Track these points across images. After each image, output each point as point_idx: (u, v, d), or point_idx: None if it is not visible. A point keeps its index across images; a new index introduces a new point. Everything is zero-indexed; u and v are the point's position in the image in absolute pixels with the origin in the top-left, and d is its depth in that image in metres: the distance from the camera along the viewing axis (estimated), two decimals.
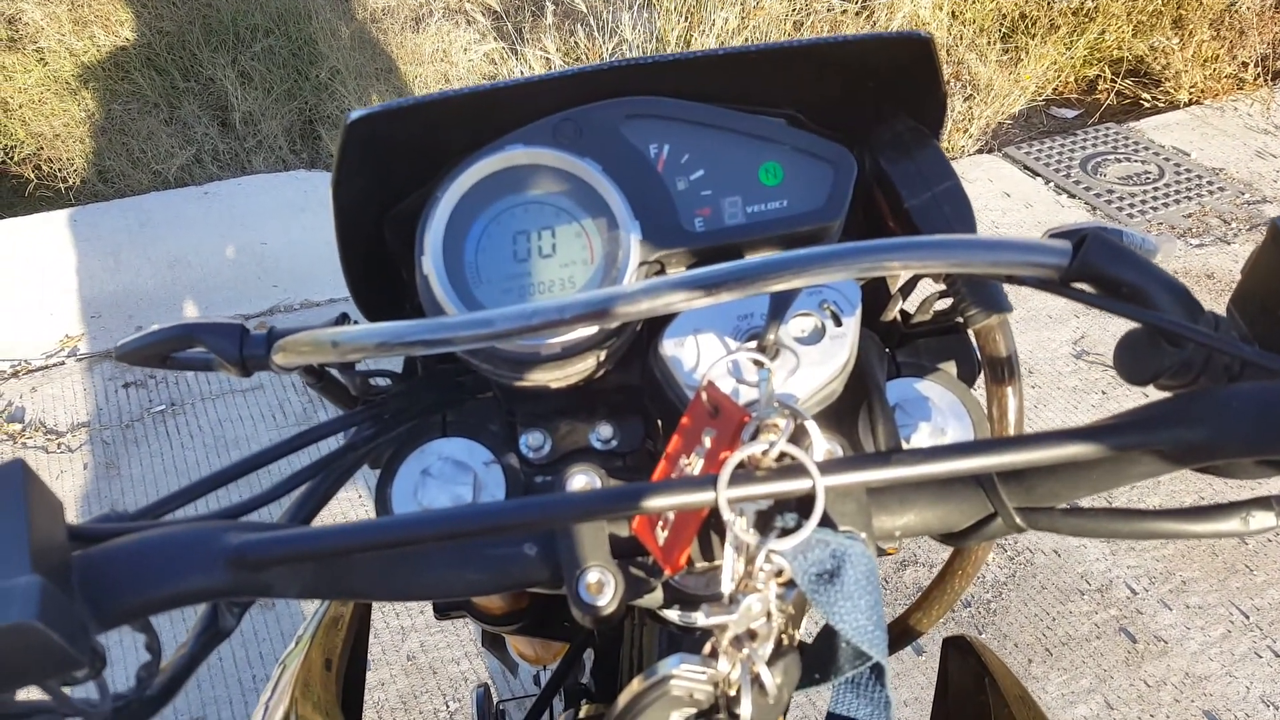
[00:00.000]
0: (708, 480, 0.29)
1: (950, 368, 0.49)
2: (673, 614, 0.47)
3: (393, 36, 3.33)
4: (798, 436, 0.32)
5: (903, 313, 0.53)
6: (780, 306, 0.41)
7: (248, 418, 2.05)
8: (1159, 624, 1.67)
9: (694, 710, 0.32)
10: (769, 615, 0.31)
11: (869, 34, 0.46)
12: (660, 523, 0.34)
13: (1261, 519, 0.33)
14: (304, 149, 3.04)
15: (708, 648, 0.32)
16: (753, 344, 0.41)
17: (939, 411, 0.46)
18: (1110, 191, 2.81)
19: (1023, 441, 0.31)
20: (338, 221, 0.47)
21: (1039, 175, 2.88)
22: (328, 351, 0.37)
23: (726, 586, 0.31)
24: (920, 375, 0.47)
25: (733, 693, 0.31)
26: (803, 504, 0.33)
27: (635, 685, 0.32)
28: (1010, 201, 2.77)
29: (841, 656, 0.30)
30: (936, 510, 0.37)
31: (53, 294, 2.38)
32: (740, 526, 0.29)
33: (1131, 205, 2.75)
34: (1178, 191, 2.81)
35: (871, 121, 0.51)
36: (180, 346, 0.44)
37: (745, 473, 0.29)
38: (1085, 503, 0.37)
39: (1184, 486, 1.91)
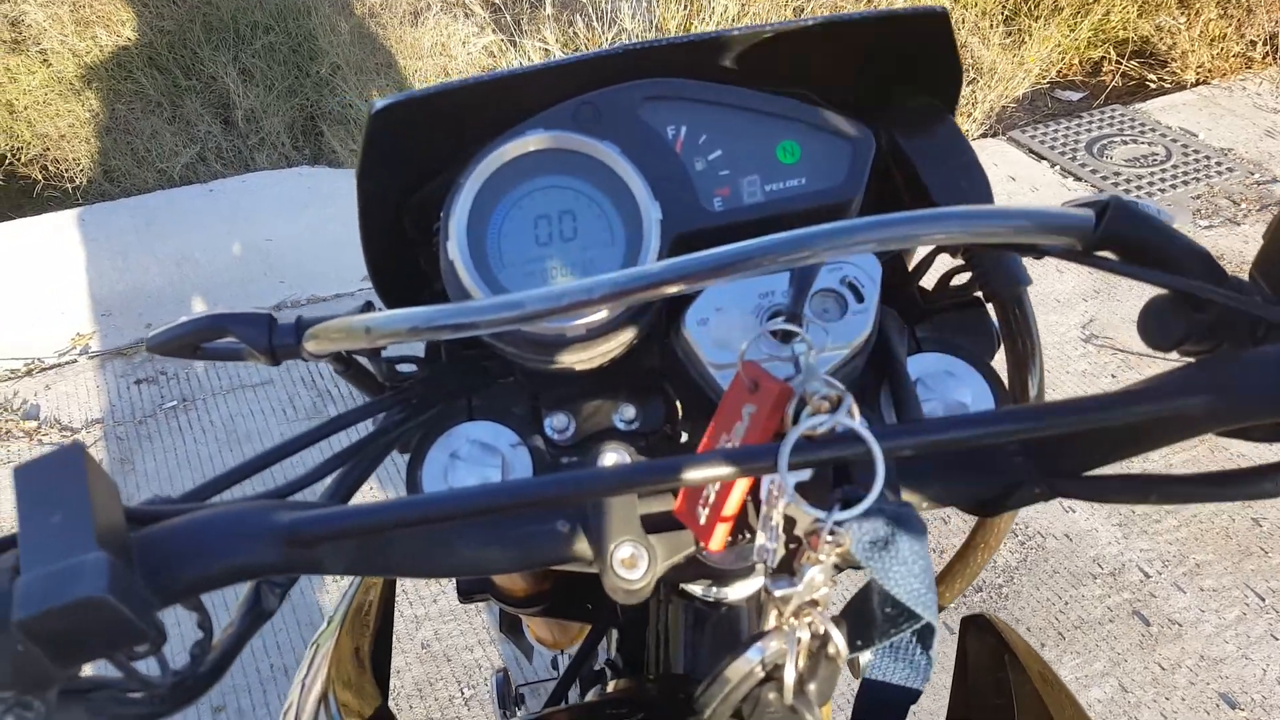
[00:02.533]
0: (767, 450, 0.29)
1: (970, 341, 0.49)
2: (699, 589, 0.48)
3: (391, 31, 3.33)
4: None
5: (920, 289, 0.53)
6: (805, 282, 0.41)
7: (259, 412, 2.07)
8: (1173, 607, 1.67)
9: (773, 688, 0.32)
10: (830, 584, 0.31)
11: (884, 10, 0.46)
12: (701, 501, 0.34)
13: None
14: (306, 145, 3.04)
15: (771, 621, 0.32)
16: (779, 320, 0.41)
17: (960, 385, 0.46)
18: (1117, 174, 2.80)
19: (1059, 408, 0.31)
20: (362, 211, 0.47)
21: (1044, 159, 2.87)
22: (360, 338, 0.37)
23: (764, 555, 0.31)
24: (940, 350, 0.48)
25: (800, 664, 0.32)
26: (839, 474, 0.34)
27: (729, 678, 0.33)
28: (1016, 185, 2.76)
29: (885, 621, 0.31)
30: (964, 480, 0.38)
31: (63, 293, 2.40)
32: (800, 499, 0.30)
33: (1139, 188, 2.74)
34: (1185, 173, 2.79)
35: (886, 98, 0.51)
36: (210, 337, 0.45)
37: (798, 444, 0.29)
38: (1111, 470, 0.37)
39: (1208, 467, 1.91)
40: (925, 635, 0.33)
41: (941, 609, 0.58)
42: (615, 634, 0.64)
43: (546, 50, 2.95)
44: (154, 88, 3.16)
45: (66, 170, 3.01)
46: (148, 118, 3.08)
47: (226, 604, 1.49)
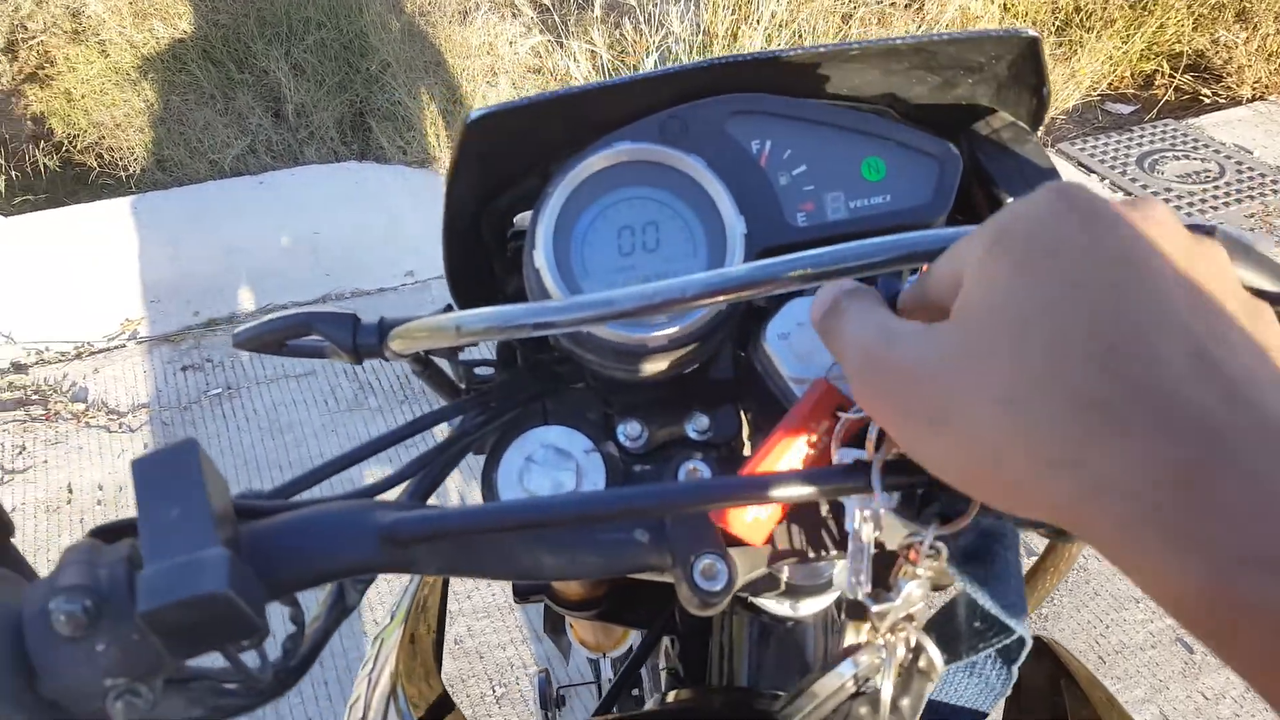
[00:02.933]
0: (858, 469, 0.29)
1: None
2: (769, 603, 0.48)
3: (441, 30, 3.36)
4: None
5: None
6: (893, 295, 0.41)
7: (301, 402, 2.10)
8: None
9: (864, 703, 0.33)
10: (927, 599, 0.31)
11: (974, 31, 0.46)
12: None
13: None
14: (355, 140, 3.09)
15: (863, 636, 0.32)
16: None
17: None
18: (1168, 190, 2.74)
19: None
20: (447, 217, 0.48)
21: (1094, 172, 2.82)
22: (449, 336, 0.38)
23: (854, 574, 0.32)
24: None
25: (894, 677, 0.32)
26: (927, 496, 0.33)
27: (817, 693, 0.33)
28: None
29: (974, 635, 0.31)
30: None
31: (114, 278, 2.46)
32: (896, 517, 0.30)
33: (1191, 204, 2.68)
34: (1239, 190, 2.73)
35: (964, 116, 0.51)
36: (297, 334, 0.46)
37: (889, 463, 0.30)
38: None
39: None
40: (1013, 650, 0.33)
41: None
42: (672, 643, 0.64)
43: (594, 52, 2.96)
44: (207, 80, 3.23)
45: (121, 159, 3.10)
46: (201, 109, 3.15)
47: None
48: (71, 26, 3.38)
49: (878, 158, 0.48)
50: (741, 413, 0.49)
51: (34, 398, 2.13)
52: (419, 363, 0.47)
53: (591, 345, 0.45)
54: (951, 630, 0.33)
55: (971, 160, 0.50)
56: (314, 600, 0.36)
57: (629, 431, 0.48)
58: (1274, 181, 2.77)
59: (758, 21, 2.94)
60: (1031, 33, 0.45)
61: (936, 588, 0.34)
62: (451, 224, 0.49)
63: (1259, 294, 0.34)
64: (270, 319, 0.46)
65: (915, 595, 0.31)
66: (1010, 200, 0.48)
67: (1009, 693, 0.35)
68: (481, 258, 0.55)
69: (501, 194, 0.52)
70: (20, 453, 2.00)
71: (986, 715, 0.36)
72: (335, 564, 0.30)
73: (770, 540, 0.36)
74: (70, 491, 1.92)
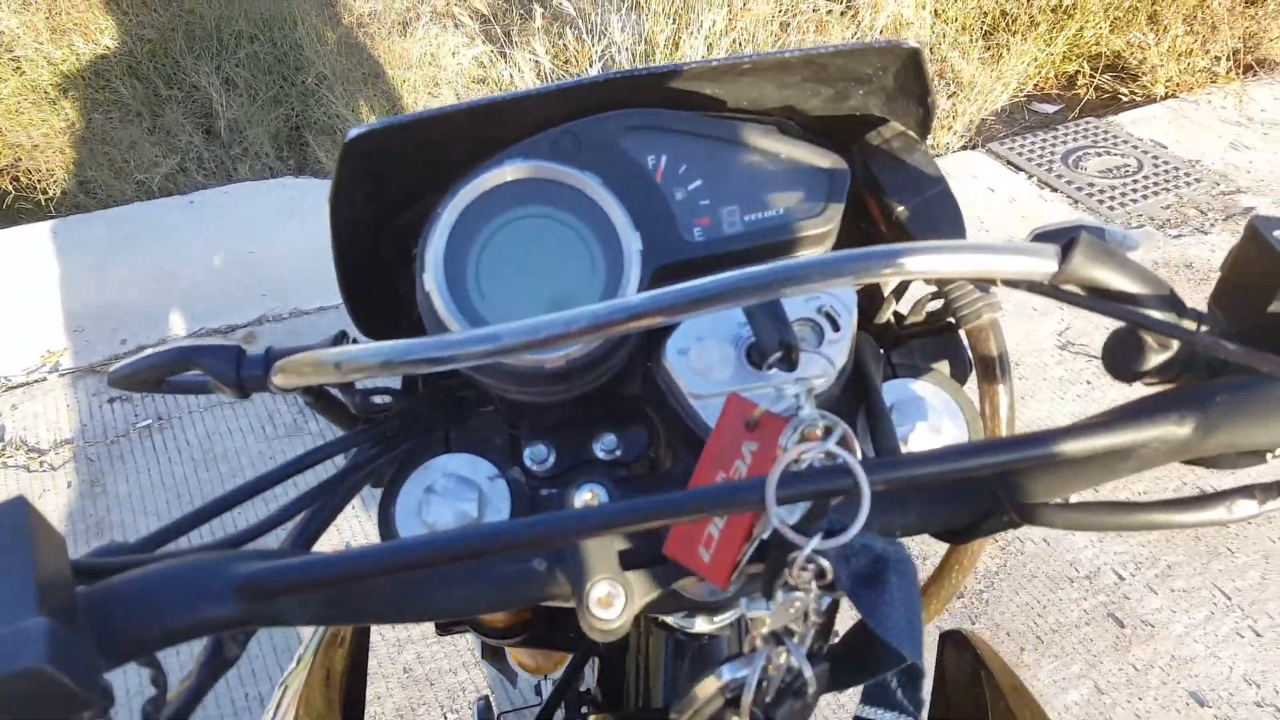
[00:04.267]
0: (754, 484, 0.29)
1: (944, 367, 0.50)
2: (677, 620, 0.48)
3: (380, 41, 3.31)
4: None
5: (896, 314, 0.53)
6: (780, 314, 0.41)
7: (237, 430, 2.04)
8: (1146, 608, 1.69)
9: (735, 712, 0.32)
10: (807, 616, 0.31)
11: (858, 43, 0.47)
12: (704, 541, 0.34)
13: (1244, 507, 0.34)
14: (291, 156, 3.02)
15: (746, 645, 0.32)
16: (776, 355, 0.41)
17: (934, 411, 0.46)
18: (1091, 185, 2.84)
19: (1037, 440, 0.31)
20: (335, 237, 0.47)
21: (1021, 170, 2.91)
22: (330, 372, 0.37)
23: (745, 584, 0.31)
24: (915, 376, 0.48)
25: (770, 693, 0.31)
26: (819, 506, 0.33)
27: (697, 694, 0.32)
28: (994, 197, 2.79)
29: (877, 660, 0.31)
30: (936, 509, 0.38)
31: (34, 308, 2.34)
32: (788, 528, 0.29)
33: (1112, 198, 2.78)
34: (1156, 184, 2.84)
35: (860, 127, 0.52)
36: (177, 370, 0.44)
37: (784, 476, 0.29)
38: (1078, 497, 0.38)
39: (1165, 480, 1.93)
40: (911, 675, 0.33)
41: None
42: (597, 663, 0.63)
43: (537, 62, 2.95)
44: (133, 97, 3.12)
45: (40, 181, 2.97)
46: (126, 128, 3.04)
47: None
48: None
49: (771, 171, 0.48)
50: (654, 427, 0.49)
51: None
52: (311, 394, 0.46)
53: (490, 370, 0.44)
54: (860, 654, 0.33)
55: (864, 169, 0.50)
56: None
57: (535, 455, 0.47)
58: (1186, 175, 2.89)
59: (698, 29, 2.96)
60: (912, 44, 0.46)
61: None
62: (343, 244, 0.47)
63: (1122, 296, 0.35)
64: (147, 354, 0.44)
65: (792, 609, 0.30)
66: (900, 208, 0.49)
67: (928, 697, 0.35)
68: (383, 278, 0.53)
69: (403, 212, 0.51)
70: None
71: None
72: (185, 622, 0.28)
73: (728, 577, 0.35)
74: None
